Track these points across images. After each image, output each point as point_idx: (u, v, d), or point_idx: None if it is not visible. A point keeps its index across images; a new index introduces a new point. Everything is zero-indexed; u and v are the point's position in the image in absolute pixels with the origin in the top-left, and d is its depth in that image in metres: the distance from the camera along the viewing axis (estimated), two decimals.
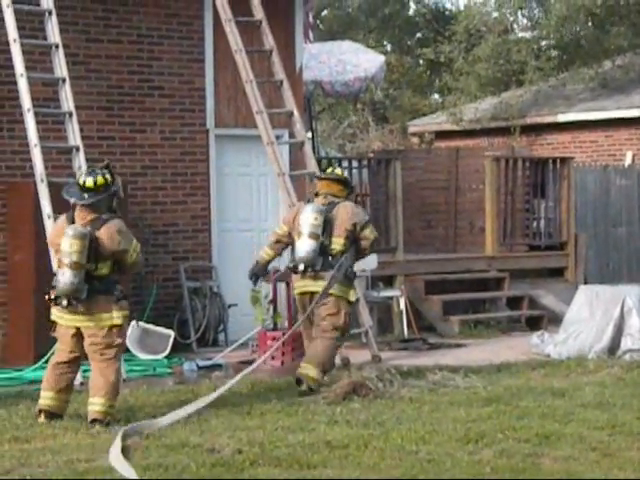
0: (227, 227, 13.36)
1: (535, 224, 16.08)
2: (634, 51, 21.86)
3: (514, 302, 14.98)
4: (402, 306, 13.77)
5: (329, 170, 10.33)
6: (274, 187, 12.85)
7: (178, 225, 12.96)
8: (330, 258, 9.92)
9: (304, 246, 9.86)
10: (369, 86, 18.10)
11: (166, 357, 11.42)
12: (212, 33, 13.07)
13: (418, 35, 28.30)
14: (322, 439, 7.49)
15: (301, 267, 9.87)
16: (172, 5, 12.94)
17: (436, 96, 29.45)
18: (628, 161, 19.38)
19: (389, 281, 14.24)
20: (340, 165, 14.98)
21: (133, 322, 11.56)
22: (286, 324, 11.32)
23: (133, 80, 12.71)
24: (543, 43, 22.76)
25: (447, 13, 27.51)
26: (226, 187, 13.36)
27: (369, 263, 12.54)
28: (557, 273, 15.83)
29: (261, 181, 13.59)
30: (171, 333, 11.70)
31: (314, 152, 14.77)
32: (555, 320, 13.85)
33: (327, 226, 9.92)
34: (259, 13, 12.53)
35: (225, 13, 12.29)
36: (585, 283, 14.90)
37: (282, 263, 12.91)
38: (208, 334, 12.67)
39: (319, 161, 13.75)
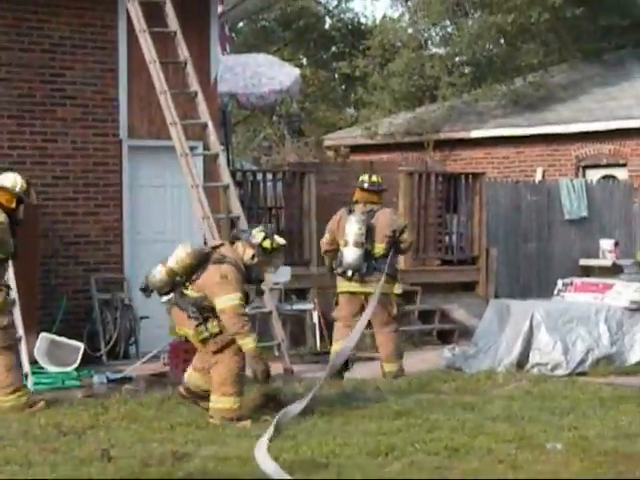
0: (140, 239, 13.26)
1: (447, 238, 16.23)
2: (545, 69, 22.23)
3: (426, 316, 15.10)
4: (315, 319, 13.80)
5: (374, 179, 11.51)
6: (188, 199, 12.78)
7: (89, 236, 12.83)
8: (373, 262, 11.16)
9: (351, 254, 11.09)
10: (284, 99, 18.15)
11: (76, 370, 11.28)
12: (126, 43, 12.98)
13: (333, 49, 28.42)
14: (232, 453, 7.46)
15: (349, 273, 11.12)
16: (86, 14, 12.83)
17: (351, 110, 29.59)
18: (538, 177, 19.68)
19: (302, 294, 14.25)
20: (254, 177, 15.01)
21: (42, 334, 11.43)
22: None
23: (45, 89, 12.57)
24: (456, 59, 23.02)
25: (362, 28, 27.67)
26: (139, 198, 13.27)
27: (282, 276, 12.56)
28: (469, 287, 15.98)
29: (174, 193, 13.51)
30: (80, 345, 11.56)
31: (228, 164, 14.74)
32: (466, 334, 13.99)
33: (369, 233, 11.18)
34: (174, 24, 12.49)
35: (139, 23, 12.22)
36: (496, 297, 15.07)
37: None
38: (119, 346, 12.56)
39: (233, 173, 13.76)
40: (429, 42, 23.35)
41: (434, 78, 22.00)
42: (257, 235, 9.05)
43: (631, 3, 22.27)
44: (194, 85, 12.46)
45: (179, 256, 8.90)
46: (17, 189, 9.44)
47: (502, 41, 22.16)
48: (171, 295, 8.99)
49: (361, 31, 26.91)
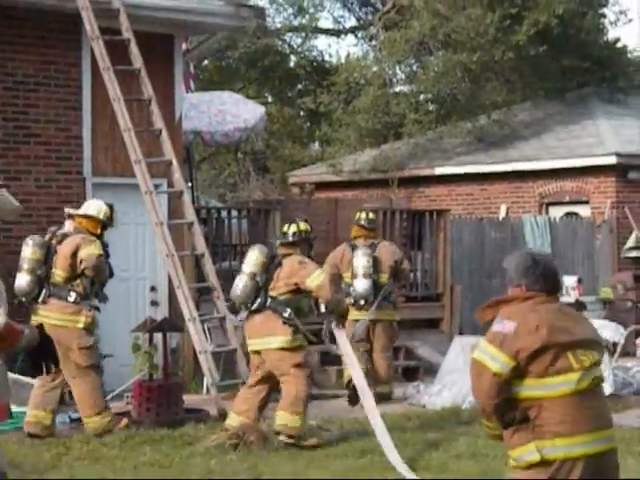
0: None
1: (412, 275, 16.25)
2: (508, 107, 22.42)
3: None
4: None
5: (370, 217, 12.52)
6: (152, 236, 12.75)
7: None
8: (377, 290, 12.16)
9: (362, 284, 12.09)
10: (249, 136, 18.18)
11: None
12: (90, 81, 12.97)
13: (299, 87, 28.55)
14: None
15: (362, 302, 12.09)
16: (49, 52, 12.82)
17: (316, 147, 29.69)
18: (502, 214, 19.79)
19: None
20: (219, 214, 15.01)
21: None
22: (162, 375, 11.19)
23: (8, 127, 12.53)
24: (421, 97, 23.17)
25: (327, 66, 27.82)
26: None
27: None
28: (433, 324, 16.01)
29: (139, 230, 13.47)
30: None
31: (193, 201, 14.73)
32: (431, 371, 13.99)
33: (375, 264, 12.20)
34: (138, 62, 12.50)
35: (103, 61, 12.22)
36: (460, 334, 15.09)
37: (159, 314, 12.83)
38: None
39: (198, 210, 13.75)
40: (394, 80, 23.50)
41: (399, 115, 22.12)
42: None
43: (592, 44, 22.53)
44: (158, 123, 12.47)
45: (253, 257, 9.58)
46: (101, 216, 9.96)
47: (466, 79, 22.34)
48: (256, 304, 9.45)
49: (326, 69, 27.05)
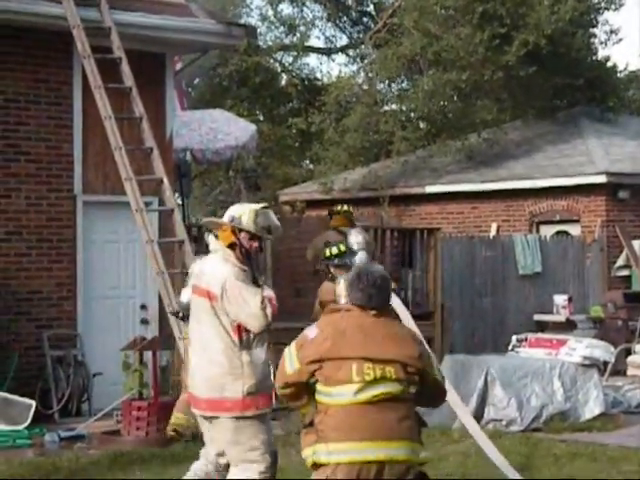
0: (94, 295, 13.16)
1: (403, 294, 16.24)
2: (499, 126, 22.48)
3: None
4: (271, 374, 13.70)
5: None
6: (142, 254, 12.74)
7: (42, 292, 12.71)
8: None
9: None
10: (240, 154, 18.19)
11: (27, 428, 11.13)
12: (81, 99, 12.97)
13: (290, 105, 28.58)
14: None
15: None
16: (41, 70, 12.81)
17: (307, 165, 29.73)
18: (493, 232, 19.81)
19: None
20: (210, 232, 14.99)
21: None
22: (152, 393, 11.16)
23: None
24: (412, 115, 23.21)
25: (318, 84, 27.86)
26: (93, 254, 13.19)
27: None
28: None
29: (129, 248, 13.45)
30: (32, 403, 11.42)
31: (184, 219, 14.72)
32: None
33: None
34: (129, 80, 12.51)
35: (95, 79, 12.23)
36: (451, 353, 15.07)
37: (149, 332, 12.82)
38: (71, 404, 12.39)
39: (189, 228, 13.74)
40: (384, 98, 23.54)
41: (388, 133, 22.17)
42: None
43: (583, 63, 22.61)
44: (149, 141, 12.47)
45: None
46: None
47: (456, 98, 22.39)
48: None
49: (317, 87, 27.09)
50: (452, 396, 9.47)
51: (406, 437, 5.11)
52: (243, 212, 6.77)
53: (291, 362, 5.25)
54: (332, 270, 11.80)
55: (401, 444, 5.08)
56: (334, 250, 11.35)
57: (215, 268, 6.67)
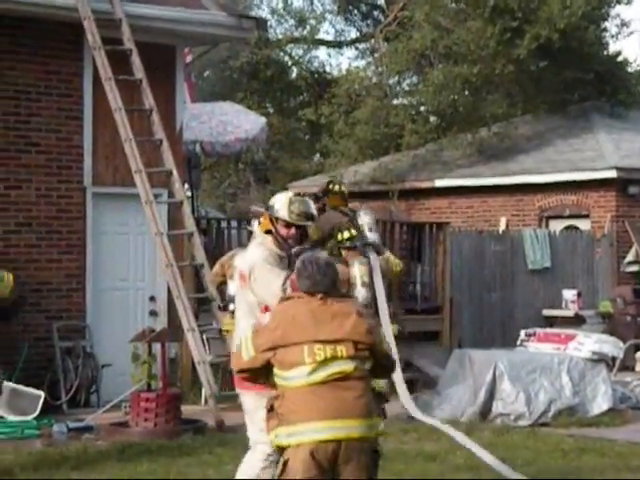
0: (103, 286, 13.19)
1: (411, 287, 16.25)
2: (509, 120, 22.43)
3: None
4: None
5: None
6: (151, 246, 12.76)
7: (52, 283, 12.74)
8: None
9: (362, 294, 11.24)
10: (250, 147, 18.18)
11: (35, 418, 11.15)
12: (91, 91, 12.99)
13: (300, 98, 28.58)
14: None
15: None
16: (51, 62, 12.83)
17: (317, 158, 29.72)
18: (502, 227, 19.79)
19: None
20: (219, 225, 15.02)
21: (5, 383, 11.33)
22: (160, 385, 11.18)
23: (9, 136, 12.53)
24: (422, 109, 23.18)
25: (328, 77, 27.85)
26: (103, 246, 13.21)
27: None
28: (432, 336, 15.99)
29: (138, 240, 13.47)
30: (41, 394, 11.44)
31: (193, 211, 14.73)
32: (430, 383, 13.97)
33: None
34: (139, 72, 12.52)
35: (105, 71, 12.24)
36: (459, 347, 15.08)
37: (158, 324, 12.84)
38: (80, 395, 12.42)
39: (198, 221, 13.75)
40: (394, 91, 23.52)
41: (398, 127, 22.14)
42: None
43: (594, 57, 22.54)
44: (159, 133, 12.48)
45: None
46: None
47: (467, 91, 22.35)
48: None
49: (326, 80, 27.08)
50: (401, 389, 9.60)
51: (363, 414, 5.28)
52: (278, 200, 6.97)
53: (247, 349, 5.45)
54: (344, 253, 11.92)
55: (358, 422, 5.25)
56: (346, 234, 11.49)
57: (249, 252, 6.95)
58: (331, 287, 5.54)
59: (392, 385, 10.42)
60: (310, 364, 5.26)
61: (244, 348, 5.47)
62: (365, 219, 12.03)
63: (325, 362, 5.27)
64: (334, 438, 5.18)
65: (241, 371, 5.55)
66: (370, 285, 11.98)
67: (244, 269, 6.79)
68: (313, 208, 7.04)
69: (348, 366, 5.29)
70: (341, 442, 5.18)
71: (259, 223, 7.15)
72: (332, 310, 5.42)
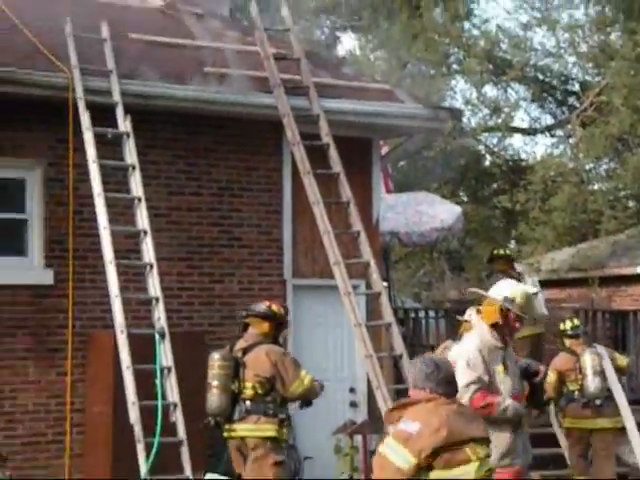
0: None
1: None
2: None
3: None
4: None
5: (575, 323, 11.95)
6: (350, 337, 12.80)
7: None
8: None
9: (595, 384, 11.59)
10: (446, 236, 18.17)
11: None
12: (290, 185, 13.27)
13: (494, 186, 28.46)
14: None
15: (598, 402, 11.65)
16: (252, 158, 13.19)
17: (512, 246, 29.43)
18: None
19: None
20: (417, 314, 15.00)
21: (207, 474, 11.47)
22: (362, 477, 11.14)
23: (212, 231, 12.88)
24: (620, 194, 22.72)
25: (523, 164, 27.67)
26: (303, 337, 13.35)
27: None
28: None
29: (337, 331, 13.55)
30: None
31: (390, 302, 14.75)
32: None
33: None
34: (337, 166, 12.69)
35: (304, 166, 12.46)
36: None
37: (358, 415, 12.82)
38: None
39: (395, 310, 13.76)
40: (591, 176, 23.15)
41: (596, 213, 21.74)
42: None
43: None
44: (357, 224, 12.58)
45: None
46: None
47: None
48: None
49: (521, 167, 26.89)
50: None
51: None
52: (517, 294, 6.87)
53: (403, 458, 5.36)
54: (566, 342, 11.87)
55: None
56: (568, 324, 11.75)
57: (464, 341, 7.07)
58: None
59: None
60: (476, 461, 5.43)
61: (394, 457, 5.40)
62: (532, 283, 12.02)
63: (484, 458, 5.49)
64: None
65: None
66: (603, 374, 11.76)
67: (455, 358, 6.83)
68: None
69: (490, 465, 5.59)
70: None
71: (477, 311, 7.08)
72: (466, 412, 5.67)
